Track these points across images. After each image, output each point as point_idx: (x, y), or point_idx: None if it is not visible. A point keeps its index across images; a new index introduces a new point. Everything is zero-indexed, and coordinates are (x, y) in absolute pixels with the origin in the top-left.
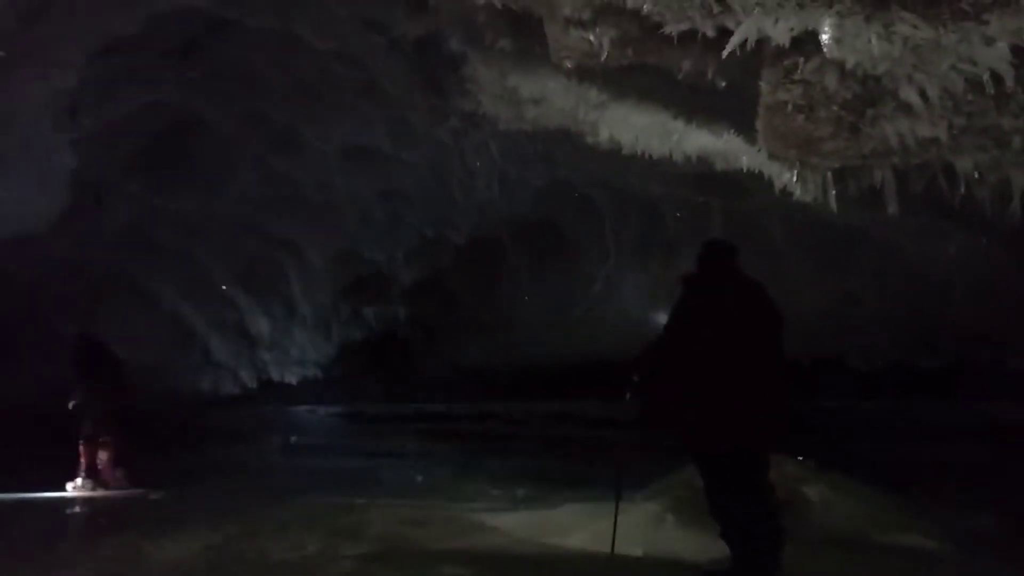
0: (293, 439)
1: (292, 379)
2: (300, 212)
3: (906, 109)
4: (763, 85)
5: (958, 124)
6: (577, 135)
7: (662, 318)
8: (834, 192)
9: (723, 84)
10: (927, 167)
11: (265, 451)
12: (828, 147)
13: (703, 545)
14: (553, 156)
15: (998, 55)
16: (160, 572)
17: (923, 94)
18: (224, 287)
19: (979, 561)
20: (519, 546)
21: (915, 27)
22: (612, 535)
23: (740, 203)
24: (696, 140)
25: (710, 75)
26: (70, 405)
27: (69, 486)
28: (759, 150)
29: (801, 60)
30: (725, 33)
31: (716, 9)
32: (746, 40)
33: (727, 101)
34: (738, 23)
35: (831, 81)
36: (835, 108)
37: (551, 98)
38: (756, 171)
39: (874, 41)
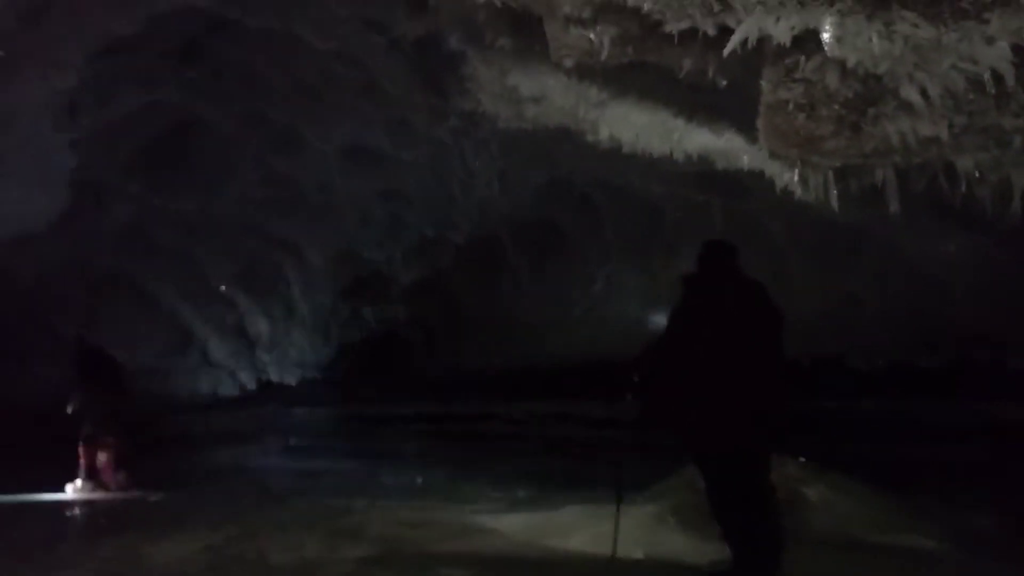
0: (292, 441)
1: (291, 380)
2: (300, 212)
3: (907, 108)
4: (764, 84)
5: (959, 123)
6: (577, 134)
7: (662, 318)
8: (835, 191)
9: (724, 83)
10: (928, 166)
11: (264, 452)
12: (829, 146)
13: (704, 547)
14: (553, 155)
15: (999, 54)
16: (160, 573)
17: (924, 93)
18: (223, 288)
19: (980, 562)
20: (520, 548)
21: (916, 26)
22: (613, 537)
23: (741, 202)
24: (697, 139)
25: (711, 74)
26: (69, 409)
27: (69, 488)
28: (760, 149)
29: (802, 59)
30: (726, 32)
31: (717, 7)
32: (747, 39)
33: (728, 100)
34: (739, 22)
35: (832, 80)
36: (836, 107)
37: (551, 97)
38: (757, 170)
39: (875, 40)
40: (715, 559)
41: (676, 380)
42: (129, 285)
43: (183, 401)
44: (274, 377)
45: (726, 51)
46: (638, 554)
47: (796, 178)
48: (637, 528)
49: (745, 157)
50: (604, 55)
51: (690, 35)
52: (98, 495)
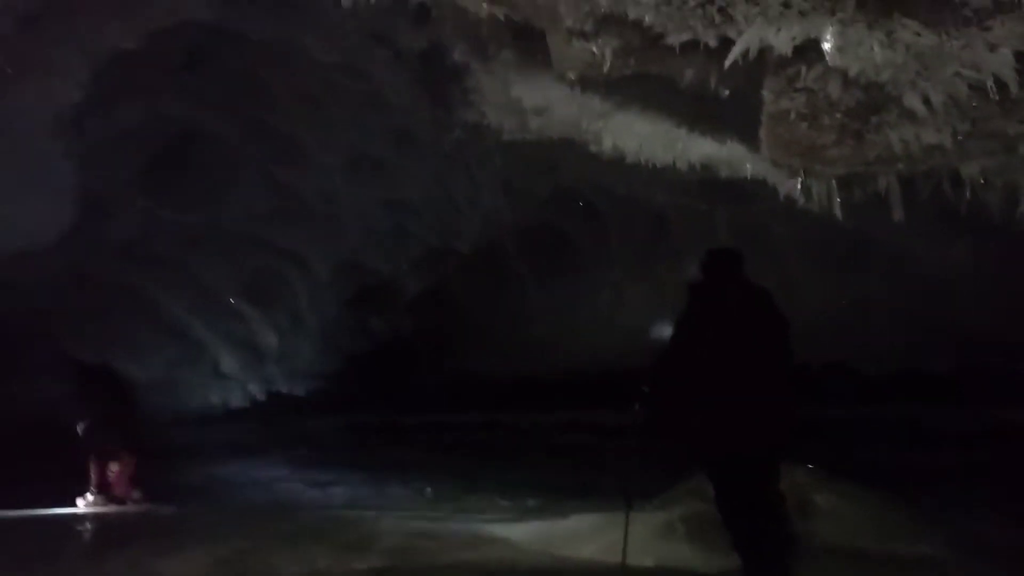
0: (302, 451)
1: (300, 391)
2: (305, 223)
3: (910, 116)
4: (766, 94)
5: (963, 130)
6: (581, 144)
7: (669, 326)
8: (839, 199)
9: (726, 93)
10: (933, 173)
11: (274, 464)
12: (832, 154)
13: (714, 555)
14: (557, 165)
15: (1002, 61)
16: None
17: (927, 101)
18: (231, 300)
19: (990, 570)
20: (529, 557)
21: (918, 34)
22: (623, 545)
23: (745, 209)
24: (700, 148)
25: (713, 84)
26: (79, 427)
27: (79, 502)
28: (763, 157)
29: (804, 68)
30: (727, 43)
31: (718, 19)
32: (748, 49)
33: (730, 109)
34: (740, 33)
35: (834, 89)
36: (838, 115)
37: (555, 108)
38: (760, 177)
39: (877, 49)
40: (725, 567)
41: (683, 388)
42: (136, 298)
43: (193, 413)
44: (283, 388)
45: (727, 62)
46: (648, 563)
47: (799, 187)
48: (647, 537)
49: (748, 165)
50: (606, 67)
51: (692, 47)
52: (109, 509)
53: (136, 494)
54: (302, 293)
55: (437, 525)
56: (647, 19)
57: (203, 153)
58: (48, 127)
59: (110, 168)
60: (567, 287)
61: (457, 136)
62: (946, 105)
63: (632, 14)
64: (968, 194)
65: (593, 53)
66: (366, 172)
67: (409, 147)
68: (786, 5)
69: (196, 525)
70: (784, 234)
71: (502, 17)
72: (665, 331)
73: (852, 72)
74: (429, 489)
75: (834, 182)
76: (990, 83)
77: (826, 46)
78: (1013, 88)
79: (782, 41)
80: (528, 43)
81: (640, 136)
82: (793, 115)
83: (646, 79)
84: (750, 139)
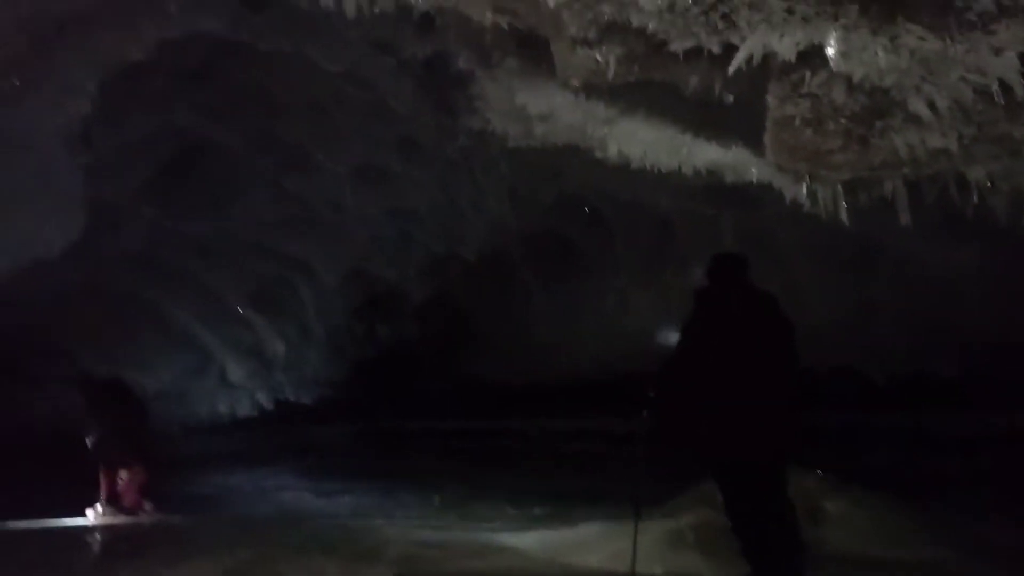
0: (310, 460)
1: (308, 399)
2: (312, 232)
3: (915, 120)
4: (770, 99)
5: (968, 134)
6: (586, 150)
7: (675, 331)
8: (845, 204)
9: (731, 98)
10: (939, 177)
11: (281, 472)
12: (837, 159)
13: (723, 563)
14: (562, 172)
15: (1007, 65)
16: None
17: (932, 105)
18: (239, 308)
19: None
20: (537, 566)
21: (922, 39)
22: (632, 553)
23: (751, 214)
24: (705, 153)
25: (717, 90)
26: (88, 440)
27: (89, 512)
28: (769, 162)
29: (808, 74)
30: (731, 49)
31: (721, 26)
32: (752, 56)
33: (735, 114)
34: (743, 39)
35: (839, 94)
36: (843, 121)
37: (559, 114)
38: (766, 182)
39: (881, 54)
40: (734, 575)
41: (690, 394)
42: (145, 308)
43: (201, 422)
44: (291, 396)
45: (731, 69)
46: (657, 571)
47: (805, 192)
48: (655, 544)
49: (754, 170)
50: (610, 74)
51: (695, 53)
52: (118, 519)
53: (146, 504)
54: (309, 301)
55: (444, 534)
56: (650, 26)
57: (211, 163)
58: (57, 138)
59: (119, 178)
60: (573, 293)
61: (462, 143)
62: (951, 109)
63: (635, 22)
64: (975, 198)
65: (597, 61)
66: (372, 180)
67: (414, 155)
68: (789, 11)
69: (204, 535)
70: (790, 239)
71: (506, 25)
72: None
73: (856, 77)
74: (437, 497)
75: (840, 187)
76: (995, 87)
77: (830, 52)
78: (1018, 92)
79: (786, 47)
80: (532, 51)
81: (645, 142)
82: (798, 120)
83: (650, 85)
84: (755, 144)
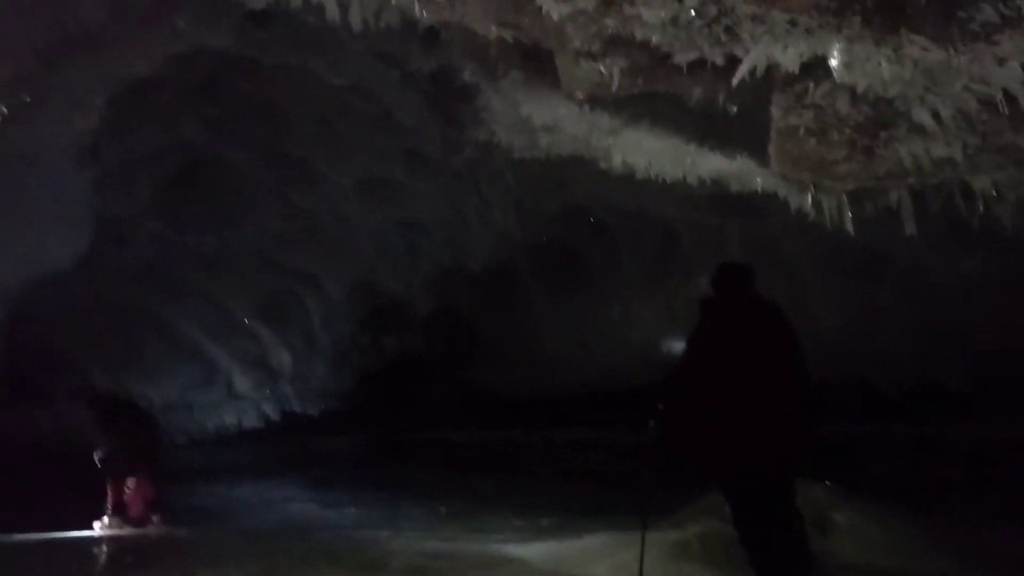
0: (315, 471)
1: (314, 411)
2: (318, 244)
3: (920, 130)
4: (774, 110)
5: (973, 144)
6: (591, 161)
7: (681, 341)
8: (850, 214)
9: (735, 109)
10: (944, 187)
11: (288, 484)
12: (842, 170)
13: (731, 573)
14: (568, 182)
15: (1010, 75)
16: None
17: (936, 115)
18: (246, 320)
19: None
20: None
21: (925, 49)
22: (639, 565)
23: (756, 224)
24: (710, 163)
25: (721, 101)
26: (96, 456)
27: (96, 525)
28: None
29: (811, 85)
30: (734, 61)
31: (724, 38)
32: (755, 67)
33: (739, 125)
34: (746, 51)
35: (842, 105)
36: (848, 131)
37: (564, 126)
38: (771, 192)
39: (884, 64)
40: None
41: (697, 405)
42: (152, 321)
43: (208, 434)
44: (297, 408)
45: (735, 80)
46: None
47: (810, 201)
48: (662, 556)
49: (759, 179)
50: (614, 86)
51: (699, 65)
52: (125, 531)
53: (153, 516)
54: (315, 313)
55: (450, 545)
56: (654, 39)
57: (217, 176)
58: (66, 153)
59: (127, 192)
60: (578, 304)
61: (467, 155)
62: (955, 119)
63: (639, 35)
64: (980, 207)
65: (601, 73)
66: (378, 192)
67: (420, 167)
68: (792, 23)
69: (210, 546)
70: (795, 249)
71: (510, 39)
72: (677, 347)
73: (860, 88)
74: (443, 509)
75: (845, 197)
76: (999, 97)
77: (833, 63)
78: (1022, 102)
79: (789, 58)
80: (536, 63)
81: (649, 152)
82: (802, 131)
83: (654, 97)
84: (759, 154)
